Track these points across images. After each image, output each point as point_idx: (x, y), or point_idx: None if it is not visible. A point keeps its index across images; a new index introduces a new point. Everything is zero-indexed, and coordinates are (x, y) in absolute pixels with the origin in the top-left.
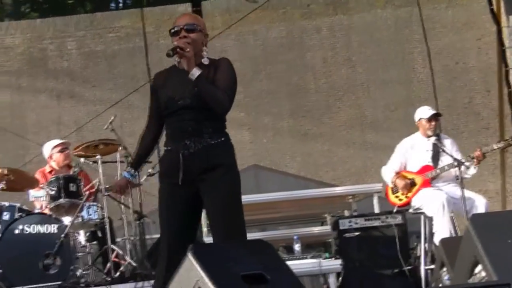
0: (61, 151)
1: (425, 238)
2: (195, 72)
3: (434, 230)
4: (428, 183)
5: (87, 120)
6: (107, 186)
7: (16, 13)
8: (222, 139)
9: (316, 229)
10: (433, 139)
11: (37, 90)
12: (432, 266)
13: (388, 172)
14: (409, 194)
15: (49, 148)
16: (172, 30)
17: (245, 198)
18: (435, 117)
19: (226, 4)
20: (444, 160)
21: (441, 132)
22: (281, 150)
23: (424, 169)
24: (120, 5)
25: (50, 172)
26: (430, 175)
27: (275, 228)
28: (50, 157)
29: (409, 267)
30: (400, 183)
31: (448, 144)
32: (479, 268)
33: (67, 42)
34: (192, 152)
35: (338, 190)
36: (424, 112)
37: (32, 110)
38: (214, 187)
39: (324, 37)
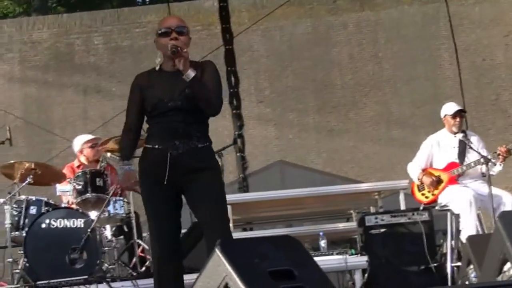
0: (91, 147)
1: (452, 235)
2: (190, 73)
3: (461, 228)
4: (454, 180)
5: (113, 114)
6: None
7: (43, 8)
8: (207, 143)
9: (341, 226)
10: (459, 135)
11: (63, 85)
12: (459, 264)
13: (414, 169)
14: (436, 192)
15: (80, 143)
16: (161, 31)
17: (271, 194)
18: (459, 114)
19: (252, 0)
20: (471, 157)
21: (467, 129)
22: (307, 146)
23: (450, 166)
24: (147, 0)
25: (78, 166)
26: (457, 172)
27: (300, 224)
28: (81, 151)
29: (435, 264)
30: (427, 180)
31: (474, 141)
32: (508, 266)
33: (94, 37)
34: (180, 152)
35: (364, 186)
36: (449, 108)
37: (59, 105)
38: (206, 188)
39: (351, 33)
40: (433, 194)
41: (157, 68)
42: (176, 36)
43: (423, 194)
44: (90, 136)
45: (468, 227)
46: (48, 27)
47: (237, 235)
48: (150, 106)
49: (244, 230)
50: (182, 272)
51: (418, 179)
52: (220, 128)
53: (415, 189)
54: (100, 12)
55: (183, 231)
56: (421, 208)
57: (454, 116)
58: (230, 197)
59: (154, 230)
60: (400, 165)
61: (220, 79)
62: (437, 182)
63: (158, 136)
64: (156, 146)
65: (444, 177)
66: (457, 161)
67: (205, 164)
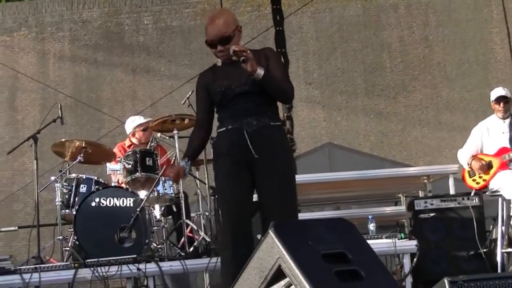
0: (144, 130)
1: (503, 221)
2: (260, 73)
3: None
4: (505, 165)
5: (161, 95)
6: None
7: None
8: (279, 123)
9: (389, 209)
10: (508, 121)
11: (113, 65)
12: (509, 250)
13: (464, 155)
14: (486, 177)
15: (133, 126)
16: (208, 43)
17: (319, 176)
18: (503, 99)
19: None
20: None
21: None
22: (355, 128)
23: (501, 151)
24: None
25: (129, 146)
26: (508, 157)
27: (348, 207)
28: (133, 134)
29: (485, 250)
30: (476, 164)
31: None
32: None
33: (144, 17)
34: (255, 129)
35: (413, 170)
36: (493, 93)
37: (108, 84)
38: (276, 168)
39: (401, 16)
40: (484, 180)
41: (218, 64)
42: (222, 49)
43: (474, 180)
44: (143, 119)
45: None
46: (99, 6)
47: None
48: (219, 95)
49: None
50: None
51: (468, 164)
52: None
53: (466, 175)
54: None
55: None
56: (472, 194)
57: (497, 102)
58: None
59: (228, 212)
60: (448, 149)
61: (283, 64)
62: (488, 167)
63: (230, 117)
64: (230, 127)
65: (495, 162)
66: (508, 146)
67: (279, 142)
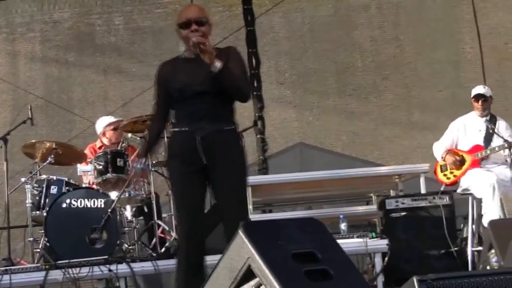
0: (114, 129)
1: (473, 220)
2: (217, 65)
3: (483, 212)
4: (477, 163)
5: (133, 95)
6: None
7: None
8: (233, 126)
9: (361, 209)
10: (485, 119)
11: (84, 65)
12: (479, 248)
13: (438, 148)
14: (457, 173)
15: (103, 125)
16: (182, 22)
17: (291, 176)
18: (480, 97)
19: None
20: (496, 142)
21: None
22: (327, 128)
23: (474, 149)
24: None
25: (100, 147)
26: (480, 155)
27: (320, 207)
28: (103, 134)
29: (456, 248)
30: (450, 158)
31: (502, 126)
32: None
33: (115, 18)
34: (207, 133)
35: (384, 169)
36: (474, 91)
37: (79, 85)
38: (230, 171)
39: (372, 15)
40: (454, 176)
41: (182, 56)
42: (196, 28)
43: (445, 175)
44: (113, 119)
45: (491, 212)
46: (70, 7)
47: (256, 217)
48: (176, 91)
49: (264, 212)
50: (205, 251)
51: (442, 157)
52: (240, 110)
53: (438, 169)
54: None
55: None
56: (442, 188)
57: (475, 99)
58: (249, 179)
59: (181, 211)
60: (420, 149)
61: (245, 64)
62: (460, 162)
63: (185, 119)
64: (184, 129)
65: (468, 158)
66: (482, 144)
67: (231, 146)
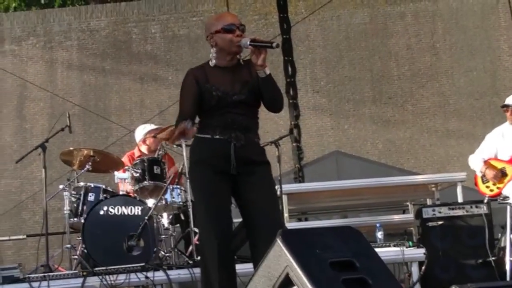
0: (154, 137)
1: (511, 229)
2: (267, 69)
3: None
4: None
5: (169, 103)
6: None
7: None
8: (260, 139)
9: (397, 217)
10: None
11: (120, 73)
12: None
13: (476, 161)
14: (500, 185)
15: (143, 133)
16: (226, 27)
17: (327, 184)
18: (507, 107)
19: None
20: None
21: None
22: (363, 136)
23: None
24: None
25: (138, 156)
26: None
27: (355, 215)
28: (144, 141)
29: (494, 258)
30: (490, 173)
31: None
32: None
33: (151, 26)
34: (242, 144)
35: (421, 178)
36: (507, 100)
37: (116, 93)
38: (264, 181)
39: (408, 23)
40: (498, 188)
41: (212, 64)
42: (241, 33)
43: (487, 187)
44: (153, 126)
45: None
46: (106, 15)
47: (292, 225)
48: (214, 100)
49: (299, 220)
50: (234, 261)
51: (481, 171)
52: (276, 118)
53: (479, 181)
54: (157, 0)
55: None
56: (485, 200)
57: (505, 109)
58: (285, 187)
59: (210, 220)
60: (456, 157)
61: None
62: (502, 175)
63: (218, 126)
64: (217, 136)
65: (509, 169)
66: None
67: (262, 158)
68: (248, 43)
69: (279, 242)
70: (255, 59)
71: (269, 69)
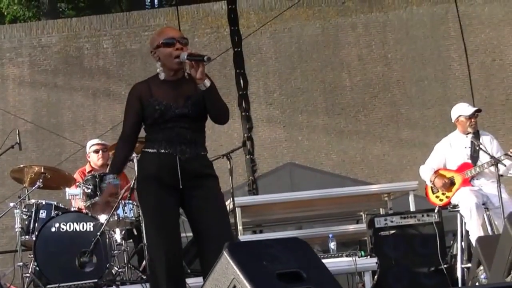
0: (95, 151)
1: (462, 237)
2: (207, 82)
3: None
4: (467, 182)
5: (122, 118)
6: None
7: (53, 12)
8: (207, 152)
9: (351, 227)
10: (470, 136)
11: (73, 89)
12: (469, 265)
13: (426, 172)
14: (449, 194)
15: (87, 147)
16: (165, 41)
17: (280, 196)
18: (475, 114)
19: (261, 2)
20: (483, 157)
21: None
22: (316, 147)
23: (463, 167)
24: (156, 3)
25: (89, 172)
26: (470, 174)
27: (310, 226)
28: (88, 156)
29: (445, 265)
30: (439, 182)
31: (487, 140)
32: None
33: (103, 41)
34: (188, 157)
35: (374, 188)
36: (463, 109)
37: (68, 109)
38: (211, 194)
39: (360, 34)
40: (447, 197)
41: (161, 77)
42: (181, 47)
43: (437, 197)
44: (96, 141)
45: (472, 231)
46: (58, 31)
47: (247, 237)
48: (156, 114)
49: (254, 232)
50: (184, 275)
51: (431, 181)
52: (229, 131)
53: (429, 191)
54: (109, 15)
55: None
56: (436, 210)
57: (470, 117)
58: (239, 200)
59: (159, 235)
60: (409, 166)
61: None
62: (450, 184)
63: (163, 141)
64: (162, 151)
65: (458, 178)
66: (469, 161)
67: (209, 171)
68: (186, 57)
69: (225, 254)
70: (193, 72)
71: (209, 82)
